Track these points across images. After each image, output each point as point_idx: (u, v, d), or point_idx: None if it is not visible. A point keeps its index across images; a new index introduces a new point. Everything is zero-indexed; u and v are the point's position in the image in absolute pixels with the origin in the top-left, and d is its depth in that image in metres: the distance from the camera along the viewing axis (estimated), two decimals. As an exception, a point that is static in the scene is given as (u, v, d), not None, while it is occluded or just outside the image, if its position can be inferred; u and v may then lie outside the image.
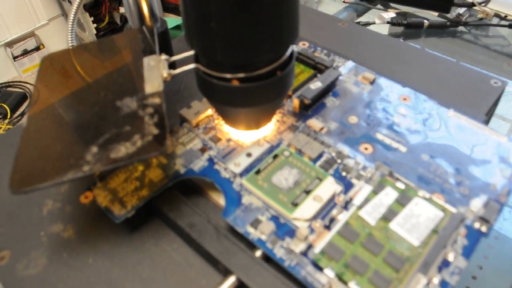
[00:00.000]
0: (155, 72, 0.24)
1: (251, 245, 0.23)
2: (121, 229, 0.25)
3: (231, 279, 0.22)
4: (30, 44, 1.28)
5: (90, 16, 1.26)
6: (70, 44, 0.37)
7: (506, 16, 0.50)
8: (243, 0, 0.19)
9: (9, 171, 0.29)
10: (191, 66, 0.24)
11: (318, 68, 0.31)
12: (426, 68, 0.35)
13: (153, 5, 0.32)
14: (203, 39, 0.21)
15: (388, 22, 0.51)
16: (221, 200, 0.26)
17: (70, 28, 0.38)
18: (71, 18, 0.39)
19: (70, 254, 0.24)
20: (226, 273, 0.22)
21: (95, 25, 1.28)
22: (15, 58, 1.26)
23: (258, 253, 0.22)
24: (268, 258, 0.22)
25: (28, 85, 1.27)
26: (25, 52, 1.28)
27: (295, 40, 0.23)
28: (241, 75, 0.22)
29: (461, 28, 0.52)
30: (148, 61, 0.25)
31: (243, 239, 0.23)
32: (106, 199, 0.24)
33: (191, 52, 0.25)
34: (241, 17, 0.19)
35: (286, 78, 0.24)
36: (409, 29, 0.51)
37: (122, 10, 1.37)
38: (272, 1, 0.20)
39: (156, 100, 0.23)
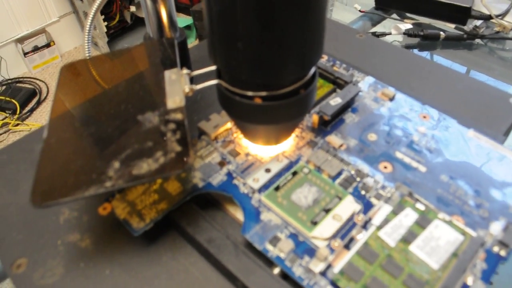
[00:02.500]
0: (177, 86, 0.24)
1: (269, 262, 0.23)
2: (138, 241, 0.25)
3: (250, 297, 0.22)
4: (41, 40, 1.29)
5: (101, 15, 1.26)
6: (87, 54, 0.37)
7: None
8: (271, 21, 0.19)
9: (25, 177, 0.29)
10: (214, 82, 0.24)
11: (337, 83, 0.31)
12: (445, 84, 0.35)
13: (173, 14, 0.32)
14: (228, 58, 0.21)
15: (404, 33, 0.51)
16: (238, 214, 0.26)
17: (86, 38, 0.38)
18: (87, 28, 0.39)
19: (87, 265, 0.24)
20: (243, 290, 0.22)
21: (105, 23, 1.29)
22: (25, 54, 1.27)
23: (276, 271, 0.22)
24: (286, 276, 0.22)
25: (37, 81, 1.27)
26: (36, 49, 1.28)
27: (319, 60, 0.23)
28: (264, 93, 0.22)
29: (477, 40, 0.51)
30: (170, 75, 0.25)
31: (262, 255, 0.23)
32: (124, 211, 0.24)
33: (213, 68, 0.25)
34: (268, 37, 0.19)
35: (309, 97, 0.24)
36: (425, 40, 0.51)
37: (132, 8, 1.37)
38: (299, 22, 0.20)
39: (178, 116, 0.23)
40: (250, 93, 0.23)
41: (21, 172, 0.30)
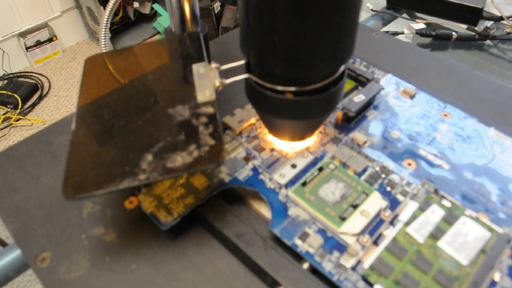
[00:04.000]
0: (206, 80, 0.24)
1: (298, 257, 0.23)
2: (164, 235, 0.25)
3: (280, 292, 0.22)
4: (43, 35, 1.28)
5: (105, 10, 1.25)
6: (104, 48, 0.37)
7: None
8: (309, 14, 0.19)
9: (46, 170, 0.29)
10: (244, 76, 0.24)
11: (359, 80, 0.31)
12: (463, 83, 0.35)
13: (195, 7, 0.32)
14: (263, 51, 0.21)
15: (416, 33, 0.51)
16: (262, 209, 0.26)
17: (103, 35, 0.38)
18: (103, 27, 0.39)
19: (112, 259, 0.24)
20: (273, 284, 0.22)
21: (108, 19, 1.28)
22: (27, 48, 1.26)
23: (305, 266, 0.22)
24: (315, 271, 0.22)
25: (39, 76, 1.27)
26: (38, 43, 1.28)
27: (351, 57, 0.23)
28: (295, 88, 0.22)
29: (488, 41, 0.52)
30: (198, 69, 0.25)
31: (290, 251, 0.23)
32: (151, 205, 0.24)
33: (241, 62, 0.25)
34: (305, 31, 0.19)
35: (338, 93, 0.24)
36: (437, 40, 0.51)
37: (136, 5, 1.37)
38: (336, 17, 0.20)
39: (210, 110, 0.23)
40: (281, 88, 0.23)
41: (41, 165, 0.30)
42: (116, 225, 0.26)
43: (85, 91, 0.26)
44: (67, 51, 1.34)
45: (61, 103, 1.16)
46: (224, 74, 0.25)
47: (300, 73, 0.21)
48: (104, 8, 1.22)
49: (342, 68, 0.24)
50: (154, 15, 1.41)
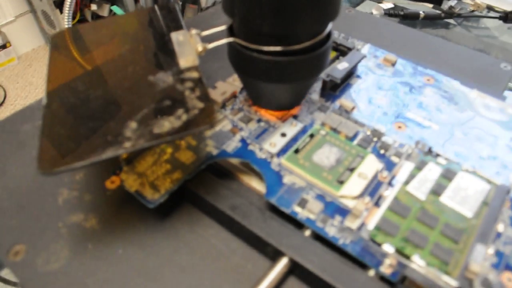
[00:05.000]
0: (187, 47, 0.23)
1: (298, 225, 0.21)
2: (151, 216, 0.23)
3: (283, 261, 0.20)
4: (-5, 42, 1.21)
5: (61, 13, 1.20)
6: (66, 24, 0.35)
7: (495, 9, 0.52)
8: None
9: (11, 159, 0.27)
10: (229, 39, 0.22)
11: (340, 50, 0.31)
12: (438, 53, 0.35)
13: (166, -17, 0.30)
14: (250, 7, 0.20)
15: (385, 13, 0.51)
16: (253, 183, 0.24)
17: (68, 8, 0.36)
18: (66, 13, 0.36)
19: (96, 246, 0.22)
20: (275, 255, 0.21)
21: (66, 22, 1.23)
22: (-22, 57, 1.19)
23: (307, 233, 0.21)
24: (317, 237, 0.21)
25: (-7, 86, 1.19)
26: (-10, 51, 1.21)
27: (337, 15, 0.22)
28: (284, 48, 0.21)
29: (455, 19, 0.53)
30: (177, 37, 0.24)
31: (289, 219, 0.22)
32: (135, 183, 0.22)
33: (221, 28, 0.24)
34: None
35: (326, 53, 0.23)
36: (405, 20, 0.51)
37: (93, 7, 1.32)
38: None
39: (194, 74, 0.21)
40: (271, 48, 0.21)
41: (6, 154, 0.27)
42: (96, 210, 0.24)
43: (55, 67, 0.23)
44: (23, 58, 1.27)
45: (18, 112, 1.10)
46: (205, 41, 0.23)
47: (288, 29, 0.20)
48: (61, 12, 1.16)
49: (329, 28, 0.23)
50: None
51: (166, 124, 0.19)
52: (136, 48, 0.24)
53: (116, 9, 1.30)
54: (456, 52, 0.36)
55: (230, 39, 0.22)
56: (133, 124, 0.19)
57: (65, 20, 0.34)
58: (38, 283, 0.21)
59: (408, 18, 0.51)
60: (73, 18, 1.27)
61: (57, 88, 0.22)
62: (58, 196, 0.25)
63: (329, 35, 0.23)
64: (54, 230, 0.23)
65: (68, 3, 0.33)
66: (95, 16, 1.34)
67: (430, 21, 0.52)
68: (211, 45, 0.23)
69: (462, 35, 0.52)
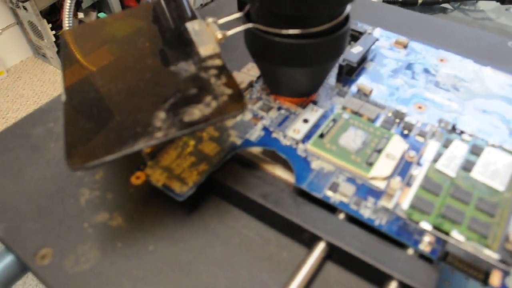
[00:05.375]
0: (205, 35, 0.22)
1: (332, 209, 0.21)
2: (178, 210, 0.23)
3: (321, 246, 0.20)
4: (-18, 56, 1.19)
5: (48, 23, 1.19)
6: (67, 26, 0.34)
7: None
8: None
9: (28, 163, 0.26)
10: (248, 25, 0.22)
11: (351, 35, 0.30)
12: (445, 34, 0.35)
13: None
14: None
15: (383, 1, 0.51)
16: (277, 171, 0.24)
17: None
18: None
19: (125, 244, 0.22)
20: (311, 241, 0.20)
21: (53, 32, 1.21)
22: (-34, 71, 1.17)
23: (341, 216, 0.21)
24: (352, 219, 0.21)
25: (-17, 100, 1.17)
26: (-23, 65, 1.18)
27: None
28: (307, 30, 0.21)
29: (451, 4, 0.53)
30: (193, 26, 0.23)
31: (321, 204, 0.21)
32: (162, 177, 0.22)
33: (238, 14, 0.23)
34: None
35: (346, 34, 0.23)
36: (404, 6, 0.51)
37: (80, 15, 1.30)
38: None
39: (217, 62, 0.21)
40: (290, 31, 0.21)
41: (21, 158, 0.26)
42: (121, 208, 0.23)
43: (69, 64, 0.23)
44: (11, 70, 1.25)
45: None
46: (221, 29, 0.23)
47: (310, 10, 0.20)
48: (48, 22, 1.15)
49: (347, 10, 0.23)
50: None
51: (196, 112, 0.18)
52: (151, 40, 0.24)
53: (103, 16, 1.29)
54: (462, 33, 0.36)
55: (250, 25, 0.22)
56: (161, 114, 0.18)
57: (66, 24, 0.33)
58: (70, 285, 0.20)
59: (407, 4, 0.52)
60: (60, 28, 1.26)
61: (74, 84, 0.21)
62: (80, 197, 0.24)
63: (347, 17, 0.23)
64: (80, 231, 0.22)
65: (67, 6, 0.33)
66: (83, 24, 1.32)
67: (428, 6, 0.53)
68: (230, 32, 0.22)
69: (460, 19, 0.53)
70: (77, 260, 0.21)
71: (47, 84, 1.22)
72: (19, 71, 1.26)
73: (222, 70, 0.20)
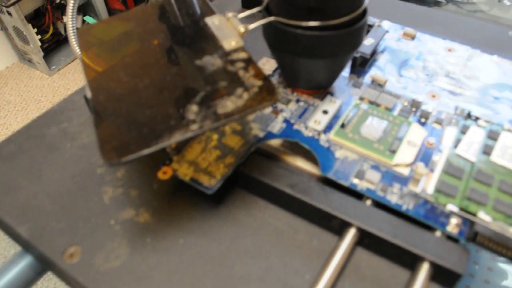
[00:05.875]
0: (227, 29, 0.22)
1: (358, 196, 0.22)
2: (205, 204, 0.23)
3: (351, 232, 0.20)
4: (-34, 62, 1.16)
5: (34, 28, 1.17)
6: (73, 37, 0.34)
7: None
8: None
9: (45, 163, 0.26)
10: (271, 18, 0.22)
11: (360, 27, 0.31)
12: (447, 26, 0.36)
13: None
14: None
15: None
16: (298, 163, 0.24)
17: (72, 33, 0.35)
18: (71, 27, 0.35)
19: (154, 239, 0.22)
20: (341, 228, 0.21)
21: (39, 36, 1.19)
22: (-50, 79, 1.14)
23: (368, 202, 0.21)
24: (379, 205, 0.21)
25: (-32, 108, 1.15)
26: (-39, 72, 1.16)
27: None
28: (328, 22, 0.21)
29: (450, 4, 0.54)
30: (212, 21, 0.23)
31: (347, 192, 0.22)
32: (189, 171, 0.22)
33: (258, 9, 0.24)
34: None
35: (365, 26, 0.23)
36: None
37: (65, 19, 1.28)
38: None
39: (243, 55, 0.21)
40: (312, 24, 0.21)
41: (38, 159, 0.26)
42: (146, 204, 0.23)
43: (89, 60, 0.23)
44: (-4, 76, 1.23)
45: (-1, 131, 1.06)
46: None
47: (332, 2, 0.20)
48: (33, 27, 1.13)
49: (366, 2, 0.23)
50: (87, 28, 1.34)
51: (229, 104, 0.18)
52: (173, 35, 0.24)
53: (89, 19, 1.28)
54: (464, 24, 0.36)
55: (271, 18, 0.22)
56: (194, 107, 0.19)
57: (69, 26, 0.33)
58: (103, 282, 0.20)
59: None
60: (46, 32, 1.24)
61: (98, 81, 0.21)
62: (103, 195, 0.24)
63: (365, 9, 0.23)
64: (107, 229, 0.22)
65: (70, 7, 0.32)
66: (69, 28, 1.30)
67: (422, 0, 0.54)
68: (252, 26, 0.22)
69: (454, 12, 0.54)
70: (107, 257, 0.21)
71: (34, 90, 1.20)
72: (5, 77, 1.24)
73: (249, 63, 0.20)
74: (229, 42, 0.22)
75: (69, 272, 0.21)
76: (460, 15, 0.53)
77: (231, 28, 0.22)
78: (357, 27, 0.23)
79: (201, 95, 0.19)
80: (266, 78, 0.19)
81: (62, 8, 1.28)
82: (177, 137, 0.18)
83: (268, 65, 0.28)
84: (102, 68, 0.22)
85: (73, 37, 0.33)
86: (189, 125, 0.18)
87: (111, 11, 1.43)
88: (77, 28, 0.26)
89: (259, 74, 0.20)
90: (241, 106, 0.18)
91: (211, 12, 0.24)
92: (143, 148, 0.17)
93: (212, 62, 0.21)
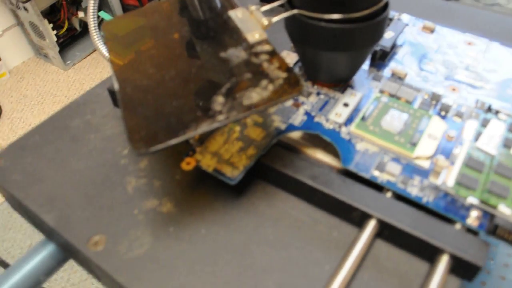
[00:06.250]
0: (251, 22, 0.23)
1: (379, 188, 0.22)
2: (227, 195, 0.23)
3: (372, 224, 0.21)
4: (-16, 57, 1.19)
5: (49, 23, 1.18)
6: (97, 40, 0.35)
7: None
8: None
9: (69, 154, 0.26)
10: (294, 11, 0.22)
11: (380, 21, 0.31)
12: (464, 18, 0.36)
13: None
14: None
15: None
16: (318, 155, 0.24)
17: (93, 27, 0.35)
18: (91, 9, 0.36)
19: (177, 228, 0.22)
20: (362, 219, 0.21)
21: (54, 31, 1.21)
22: (-32, 73, 1.16)
23: (388, 195, 0.21)
24: (399, 197, 0.21)
25: (-14, 101, 1.17)
26: (-20, 66, 1.18)
27: None
28: (351, 15, 0.21)
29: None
30: (236, 14, 0.24)
31: (368, 184, 0.22)
32: (213, 161, 0.22)
33: (280, 2, 0.24)
34: None
35: (386, 19, 0.23)
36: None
37: (81, 15, 1.30)
38: None
39: (267, 47, 0.21)
40: (336, 16, 0.22)
41: (62, 149, 0.27)
42: (169, 194, 0.24)
43: (115, 53, 0.23)
44: (14, 71, 1.25)
45: (16, 125, 1.08)
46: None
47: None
48: (49, 22, 1.15)
49: (385, -5, 0.23)
50: (101, 23, 1.35)
51: (254, 95, 0.19)
52: (197, 28, 0.24)
53: (103, 14, 1.29)
54: (482, 17, 0.36)
55: (295, 11, 0.22)
56: (219, 99, 0.19)
57: (91, 23, 0.34)
58: (127, 270, 0.21)
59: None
60: (61, 27, 1.25)
61: (124, 73, 0.22)
62: (127, 185, 0.24)
63: (387, 3, 0.23)
64: (130, 218, 0.23)
65: (92, 4, 0.33)
66: (83, 24, 1.32)
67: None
68: (275, 19, 0.23)
69: (470, 5, 0.53)
70: (131, 245, 0.22)
71: (50, 84, 1.22)
72: (22, 72, 1.26)
73: (273, 55, 0.21)
74: (253, 35, 0.22)
75: (94, 260, 0.21)
76: (478, 8, 0.52)
77: (254, 21, 0.23)
78: (378, 20, 0.23)
79: (227, 87, 0.19)
80: (290, 70, 0.20)
81: (77, 4, 1.30)
82: (204, 127, 0.18)
83: (288, 58, 0.28)
84: (128, 60, 0.23)
85: (94, 32, 0.34)
86: (216, 116, 0.18)
87: (125, 7, 1.44)
88: (102, 22, 0.26)
89: (283, 66, 0.20)
90: (266, 97, 0.19)
91: (234, 5, 0.24)
92: (171, 138, 0.18)
93: (236, 54, 0.21)
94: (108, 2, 1.37)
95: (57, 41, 1.22)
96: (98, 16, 1.22)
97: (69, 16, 1.27)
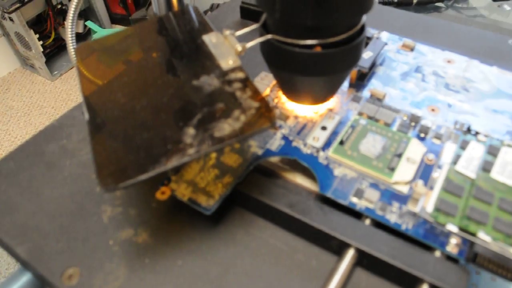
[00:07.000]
0: (224, 48, 0.22)
1: (357, 215, 0.21)
2: (204, 223, 0.23)
3: (350, 253, 0.20)
4: (-31, 69, 1.17)
5: (35, 33, 1.17)
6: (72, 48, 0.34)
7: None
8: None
9: (44, 181, 0.26)
10: (268, 36, 0.22)
11: (359, 40, 0.31)
12: (446, 34, 0.36)
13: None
14: (293, 2, 0.20)
15: (379, 2, 0.52)
16: (298, 179, 0.24)
17: (70, 40, 0.35)
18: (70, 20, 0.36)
19: (153, 259, 0.22)
20: (340, 248, 0.21)
21: (41, 42, 1.20)
22: (-48, 85, 1.14)
23: (367, 222, 0.21)
24: (378, 225, 0.21)
25: (-29, 114, 1.15)
26: (-36, 78, 1.16)
27: (371, 7, 0.22)
28: (326, 40, 0.21)
29: (445, 3, 0.54)
30: (210, 39, 0.23)
31: (346, 211, 0.22)
32: (187, 191, 0.22)
33: (255, 26, 0.23)
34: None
35: (362, 43, 0.23)
36: (399, 7, 0.52)
37: (65, 28, 1.29)
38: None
39: (240, 75, 0.21)
40: (310, 42, 0.21)
41: (37, 177, 0.26)
42: (145, 224, 0.23)
43: (86, 80, 0.23)
44: (-1, 82, 1.23)
45: (2, 137, 1.06)
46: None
47: (330, 21, 0.20)
48: (35, 32, 1.13)
49: (363, 19, 0.23)
50: (88, 33, 1.34)
51: (226, 127, 0.18)
52: (171, 54, 0.24)
53: (91, 24, 1.28)
54: (463, 33, 0.36)
55: (269, 36, 0.22)
56: (190, 130, 0.19)
57: (68, 35, 0.33)
58: (101, 305, 0.20)
59: (402, 5, 0.52)
60: (48, 37, 1.24)
61: (96, 102, 0.21)
62: (102, 214, 0.24)
63: (363, 26, 0.23)
64: (105, 249, 0.22)
65: (71, 15, 0.33)
66: (71, 33, 1.30)
67: (423, 6, 0.53)
68: (249, 44, 0.22)
69: (453, 17, 0.54)
70: (106, 279, 0.21)
71: (36, 95, 1.21)
72: (7, 82, 1.25)
73: (246, 83, 0.20)
74: (227, 61, 0.22)
75: (68, 294, 0.21)
76: (460, 20, 0.53)
77: (228, 47, 0.22)
78: (355, 43, 0.22)
79: (198, 118, 0.19)
80: (263, 100, 0.19)
81: (63, 14, 1.29)
82: (174, 162, 0.17)
83: (266, 79, 0.28)
84: (99, 87, 0.22)
85: (72, 47, 0.34)
86: (186, 149, 0.18)
87: (112, 16, 1.44)
88: (76, 46, 0.26)
89: (256, 95, 0.20)
90: (238, 129, 0.18)
91: (209, 30, 0.24)
92: (140, 174, 0.17)
93: (209, 82, 0.21)
94: (95, 12, 1.36)
95: (43, 52, 1.21)
96: (85, 26, 1.21)
97: (55, 26, 1.26)
